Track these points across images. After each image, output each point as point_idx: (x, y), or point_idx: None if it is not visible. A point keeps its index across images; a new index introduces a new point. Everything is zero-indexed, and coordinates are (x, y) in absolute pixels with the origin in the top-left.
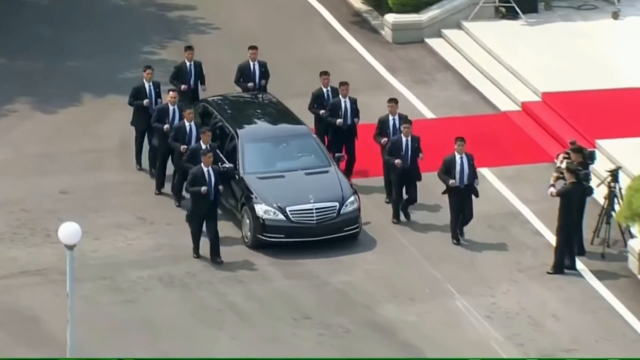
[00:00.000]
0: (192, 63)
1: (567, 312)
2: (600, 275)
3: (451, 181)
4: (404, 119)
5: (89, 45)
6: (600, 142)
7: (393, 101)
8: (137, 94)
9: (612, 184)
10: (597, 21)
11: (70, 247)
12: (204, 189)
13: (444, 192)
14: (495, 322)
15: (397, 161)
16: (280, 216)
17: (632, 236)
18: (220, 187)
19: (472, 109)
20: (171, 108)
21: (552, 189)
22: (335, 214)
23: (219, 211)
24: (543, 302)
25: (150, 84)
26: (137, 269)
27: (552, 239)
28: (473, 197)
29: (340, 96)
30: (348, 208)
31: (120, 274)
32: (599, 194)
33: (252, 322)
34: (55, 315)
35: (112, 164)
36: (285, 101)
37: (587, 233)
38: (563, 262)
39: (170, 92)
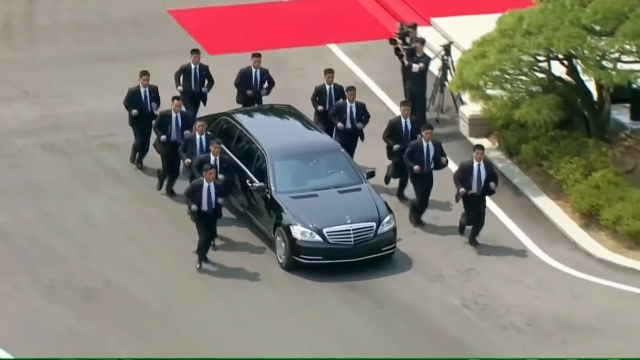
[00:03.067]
0: (198, 66)
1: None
2: (435, 137)
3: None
4: (422, 123)
5: None
6: (435, 20)
7: (406, 104)
8: (132, 98)
9: (445, 57)
10: None
11: None
12: (193, 207)
13: (462, 197)
14: None
15: (416, 167)
16: (317, 237)
17: (462, 103)
18: (220, 201)
19: None
20: (174, 115)
21: (415, 65)
22: (372, 235)
23: (233, 216)
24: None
25: (146, 89)
26: (22, 137)
27: (393, 107)
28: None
29: (347, 100)
30: (384, 228)
31: (6, 142)
32: (434, 66)
33: (127, 183)
34: None
35: None
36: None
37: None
38: None
39: (175, 101)
